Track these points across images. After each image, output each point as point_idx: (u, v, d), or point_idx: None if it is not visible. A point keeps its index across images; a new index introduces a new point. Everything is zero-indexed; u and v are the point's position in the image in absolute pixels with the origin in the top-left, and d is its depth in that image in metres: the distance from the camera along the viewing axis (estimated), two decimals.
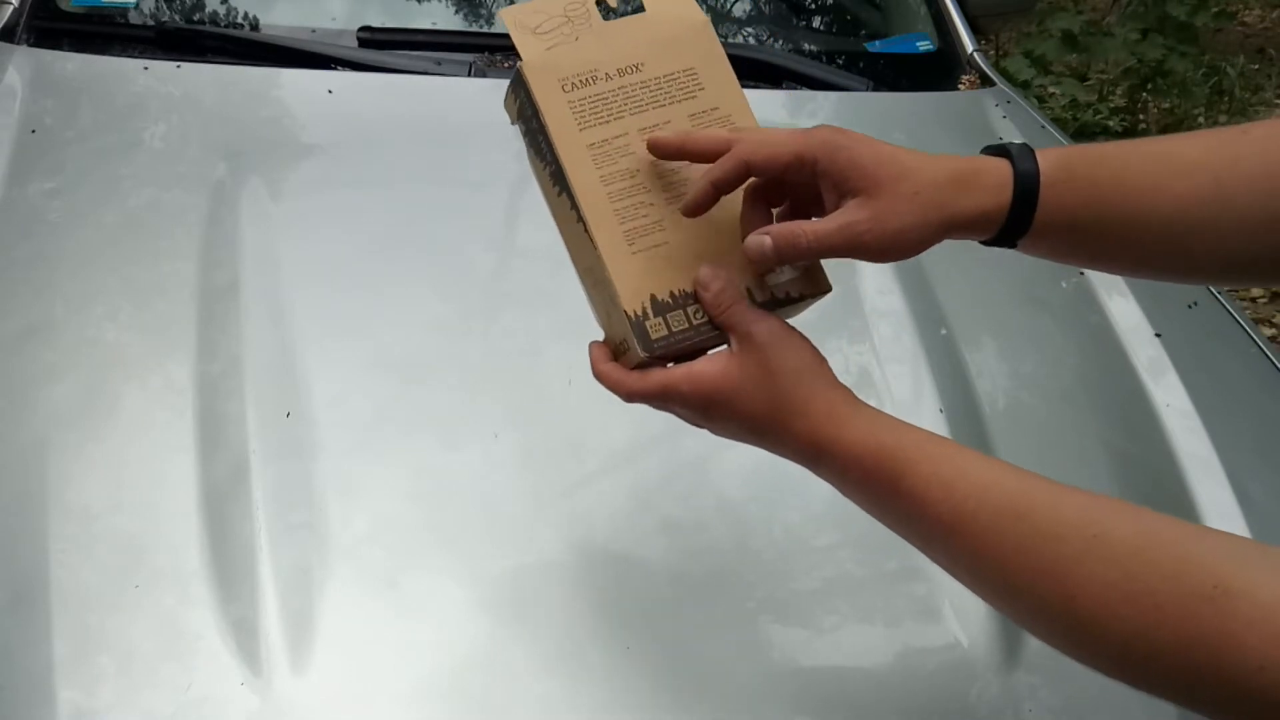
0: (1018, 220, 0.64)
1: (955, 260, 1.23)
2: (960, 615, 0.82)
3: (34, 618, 0.74)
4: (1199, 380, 1.07)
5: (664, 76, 0.68)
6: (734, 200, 0.66)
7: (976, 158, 0.66)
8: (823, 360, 0.63)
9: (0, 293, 1.00)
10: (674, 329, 0.65)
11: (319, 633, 0.75)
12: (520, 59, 0.67)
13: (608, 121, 0.67)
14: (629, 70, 0.68)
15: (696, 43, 0.70)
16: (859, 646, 0.81)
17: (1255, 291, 3.09)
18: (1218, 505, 0.93)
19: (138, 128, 1.24)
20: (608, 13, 0.70)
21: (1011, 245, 0.66)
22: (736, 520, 0.86)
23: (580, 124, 0.67)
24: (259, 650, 0.73)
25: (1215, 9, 4.11)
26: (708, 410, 0.64)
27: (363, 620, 0.77)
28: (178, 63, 1.35)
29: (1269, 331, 2.87)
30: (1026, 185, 0.63)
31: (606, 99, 0.67)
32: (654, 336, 0.65)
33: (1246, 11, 5.65)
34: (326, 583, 0.78)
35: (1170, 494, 0.95)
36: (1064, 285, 1.21)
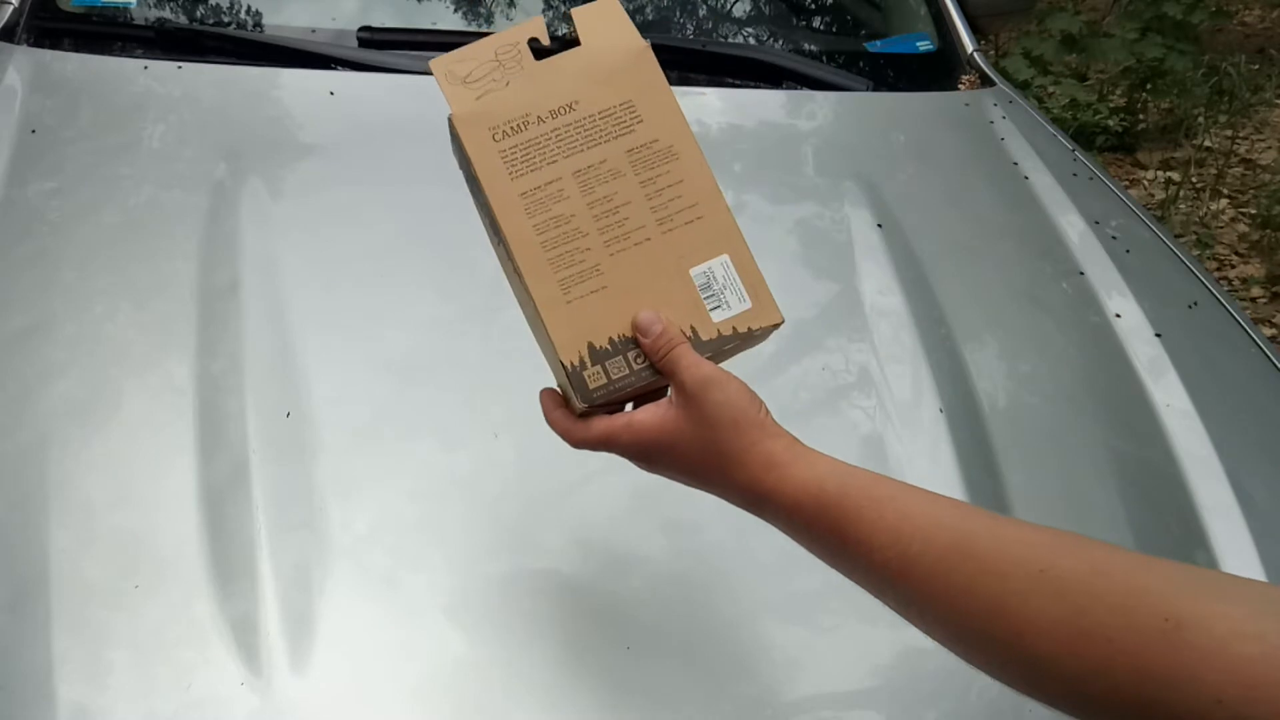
0: None
1: (955, 260, 1.23)
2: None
3: (34, 617, 0.74)
4: (1199, 380, 1.07)
5: (599, 113, 0.67)
6: (675, 236, 0.66)
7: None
8: (760, 405, 0.63)
9: (1, 292, 1.00)
10: (613, 376, 0.65)
11: (319, 632, 0.75)
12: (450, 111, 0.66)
13: (540, 168, 0.66)
14: (562, 111, 0.66)
15: (635, 72, 0.68)
16: (859, 646, 0.81)
17: (1255, 291, 3.09)
18: (1218, 505, 0.93)
19: (138, 128, 1.24)
20: (541, 52, 0.68)
21: None
22: (736, 520, 0.86)
23: (512, 173, 0.65)
24: (259, 650, 0.73)
25: (1212, 8, 4.11)
26: (649, 458, 0.65)
27: (362, 620, 0.77)
28: (178, 63, 1.35)
29: (1269, 331, 2.87)
30: None
31: (539, 144, 0.66)
32: (592, 386, 0.64)
33: (1246, 11, 5.65)
34: (326, 582, 0.78)
35: (1170, 494, 0.95)
36: (1064, 285, 1.21)
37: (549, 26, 0.68)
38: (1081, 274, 1.22)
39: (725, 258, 0.67)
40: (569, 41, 0.68)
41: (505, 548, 0.83)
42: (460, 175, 0.70)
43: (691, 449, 0.62)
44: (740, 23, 1.80)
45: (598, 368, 0.64)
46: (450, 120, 0.67)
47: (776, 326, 0.67)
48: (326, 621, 0.76)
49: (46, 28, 1.41)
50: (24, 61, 1.34)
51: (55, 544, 0.79)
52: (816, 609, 0.83)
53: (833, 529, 0.58)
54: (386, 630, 0.76)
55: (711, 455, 0.62)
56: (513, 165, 0.65)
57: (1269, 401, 1.12)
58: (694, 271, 0.66)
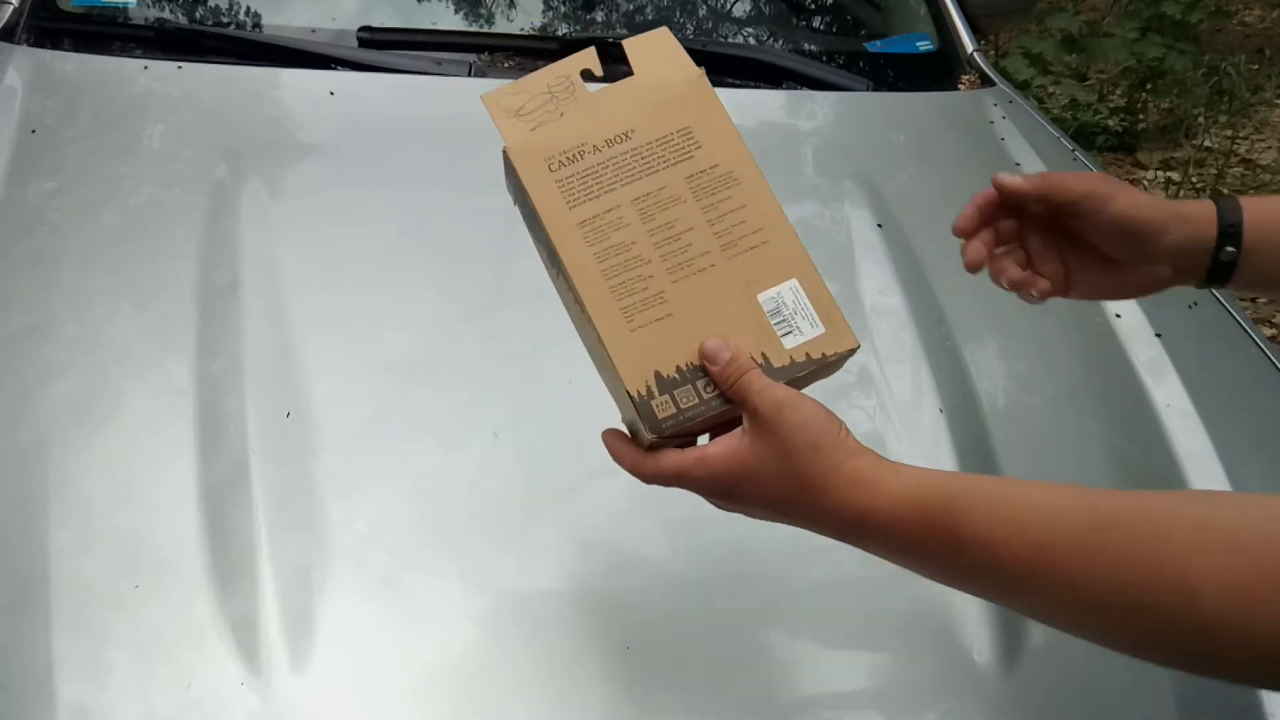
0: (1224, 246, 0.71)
1: (955, 260, 1.23)
2: (960, 615, 0.82)
3: (34, 617, 0.74)
4: (1199, 380, 1.07)
5: (656, 140, 0.66)
6: (741, 262, 0.64)
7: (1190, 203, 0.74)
8: (839, 425, 0.59)
9: (1, 292, 1.00)
10: (683, 406, 0.62)
11: (319, 633, 0.75)
12: (505, 144, 0.66)
13: (598, 196, 0.65)
14: (619, 139, 0.66)
15: (690, 99, 0.67)
16: (859, 646, 0.81)
17: None
18: None
19: (138, 128, 1.24)
20: (593, 81, 0.68)
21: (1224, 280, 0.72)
22: (736, 520, 0.86)
23: (570, 202, 0.64)
24: (259, 650, 0.73)
25: (1212, 8, 4.10)
26: (727, 493, 0.61)
27: (362, 620, 0.77)
28: (178, 63, 1.35)
29: (1269, 331, 2.87)
30: (1229, 218, 0.70)
31: (596, 172, 0.65)
32: (660, 416, 0.62)
33: (1246, 11, 5.65)
34: (326, 582, 0.78)
35: None
36: None
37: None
38: None
39: (794, 282, 0.64)
40: (620, 74, 0.68)
41: (505, 548, 0.83)
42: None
43: (771, 478, 0.58)
44: (740, 23, 1.80)
45: (665, 397, 0.62)
46: (505, 153, 0.66)
47: (853, 352, 0.64)
48: (326, 621, 0.76)
49: (46, 28, 1.41)
50: (24, 61, 1.34)
51: (55, 544, 0.79)
52: (816, 609, 0.83)
53: (944, 536, 0.54)
54: (386, 630, 0.76)
55: (794, 482, 0.58)
56: (570, 194, 0.64)
57: (1269, 401, 1.12)
58: (762, 297, 0.64)
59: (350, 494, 0.85)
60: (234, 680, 0.72)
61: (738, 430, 0.60)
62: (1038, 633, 0.81)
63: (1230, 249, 0.71)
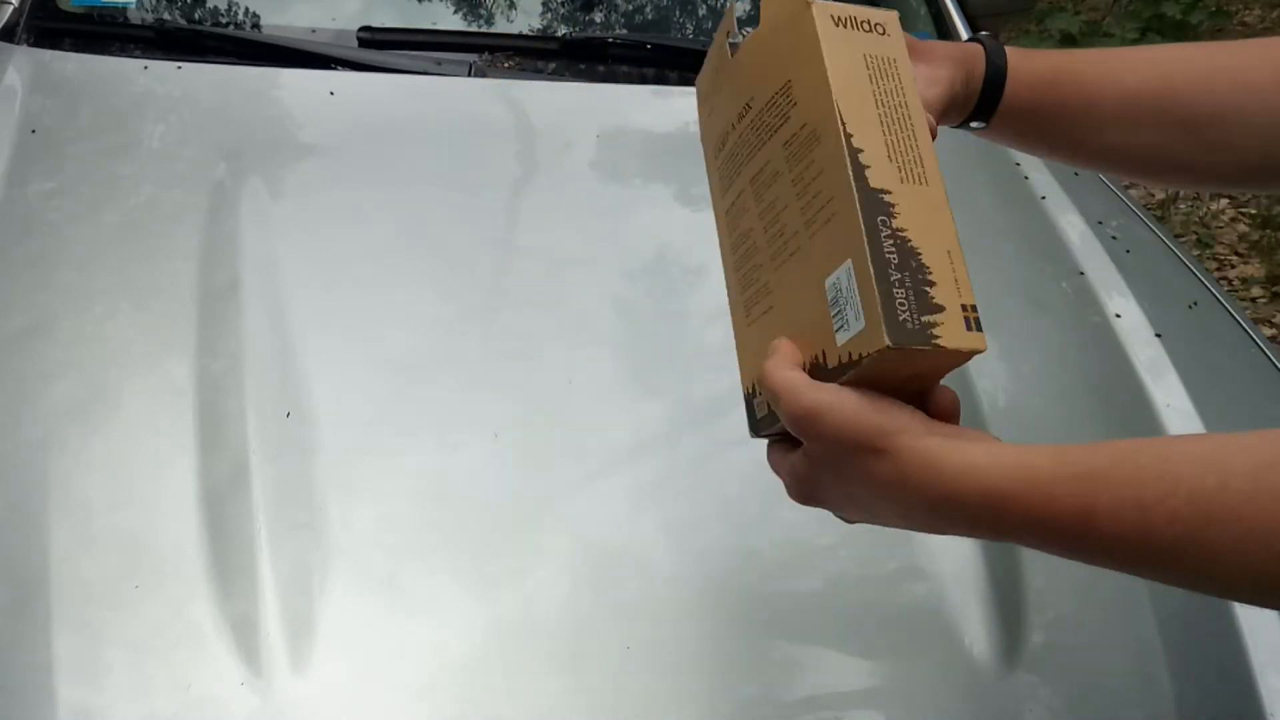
0: (985, 100, 0.67)
1: None
2: (960, 615, 0.82)
3: (34, 617, 0.74)
4: (1199, 380, 1.07)
5: (765, 106, 0.57)
6: (818, 239, 0.54)
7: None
8: (904, 409, 0.52)
9: (1, 292, 1.00)
10: (771, 410, 0.56)
11: (319, 632, 0.75)
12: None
13: (732, 181, 0.61)
14: (744, 112, 0.59)
15: (794, 43, 0.55)
16: (859, 647, 0.81)
17: (1255, 291, 3.09)
18: None
19: (138, 128, 1.24)
20: (736, 39, 0.63)
21: (982, 120, 0.68)
22: (736, 520, 0.86)
23: (722, 189, 0.62)
24: (259, 650, 0.73)
25: (1212, 8, 4.10)
26: (852, 458, 0.52)
27: (363, 620, 0.77)
28: (178, 63, 1.35)
29: (1269, 331, 2.87)
30: (996, 59, 0.67)
31: (733, 155, 0.60)
32: (759, 415, 0.58)
33: (1246, 11, 5.65)
34: (326, 582, 0.78)
35: None
36: (1064, 285, 1.21)
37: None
38: (1081, 274, 1.22)
39: (849, 264, 0.51)
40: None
41: (505, 548, 0.83)
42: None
43: (854, 479, 0.52)
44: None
45: (763, 398, 0.57)
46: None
47: (886, 351, 0.49)
48: (326, 621, 0.76)
49: (46, 28, 1.41)
50: (24, 61, 1.34)
51: (55, 544, 0.79)
52: (816, 609, 0.83)
53: (1072, 505, 0.47)
54: (386, 630, 0.76)
55: (861, 479, 0.52)
56: (722, 182, 0.62)
57: (1269, 401, 1.12)
58: (828, 283, 0.53)
59: (350, 494, 0.85)
60: (234, 680, 0.72)
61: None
62: (1038, 633, 0.81)
63: (980, 123, 0.69)
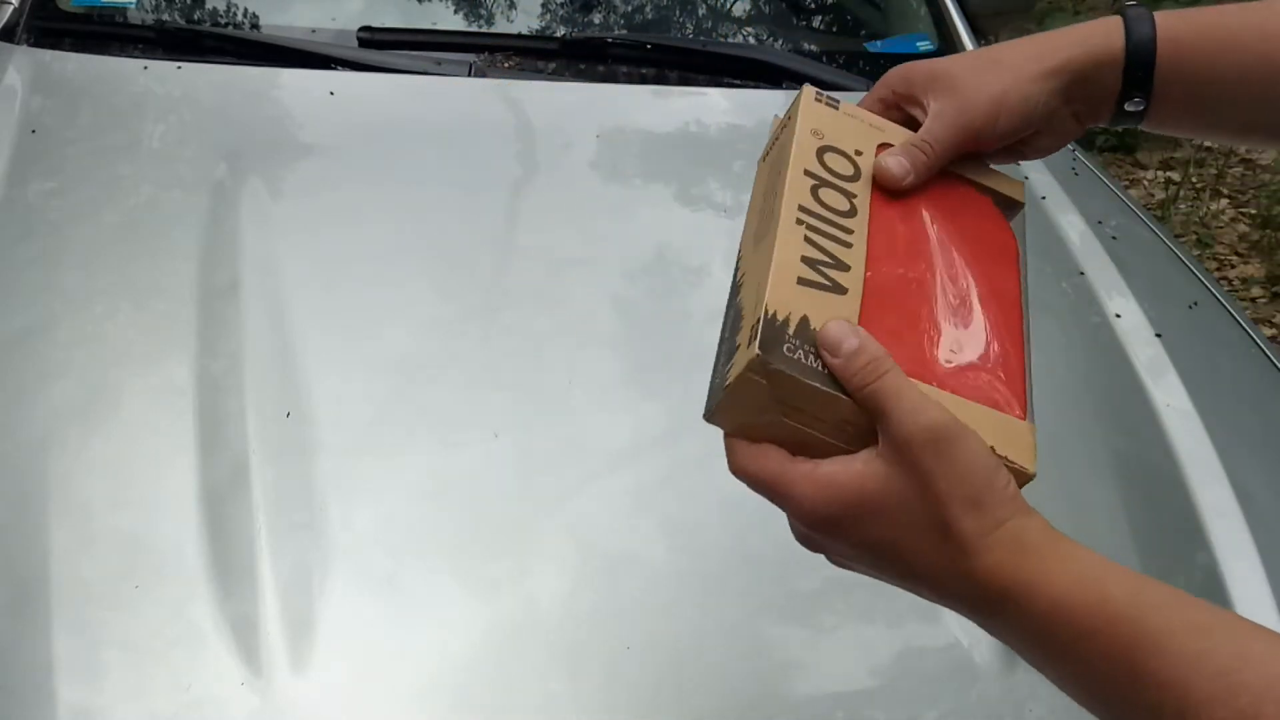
0: (1135, 69, 0.57)
1: None
2: (960, 615, 0.82)
3: (34, 617, 0.74)
4: (1199, 380, 1.07)
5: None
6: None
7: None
8: (1006, 474, 0.47)
9: (1, 292, 1.00)
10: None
11: (319, 633, 0.75)
12: None
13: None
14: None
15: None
16: (859, 646, 0.81)
17: (1255, 291, 3.09)
18: (1218, 505, 0.93)
19: (138, 128, 1.24)
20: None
21: (1137, 118, 0.59)
22: (736, 520, 0.86)
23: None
24: (259, 650, 0.73)
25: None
26: (831, 527, 0.48)
27: (363, 620, 0.77)
28: (178, 63, 1.35)
29: (1269, 331, 2.87)
30: (1139, 32, 0.56)
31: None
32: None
33: None
34: (326, 583, 0.78)
35: (1170, 494, 0.95)
36: (1064, 285, 1.21)
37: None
38: (1081, 274, 1.22)
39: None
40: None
41: (505, 548, 0.83)
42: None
43: (902, 524, 0.46)
44: (740, 22, 1.80)
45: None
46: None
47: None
48: (326, 621, 0.76)
49: (46, 28, 1.41)
50: (24, 61, 1.34)
51: (55, 544, 0.79)
52: (816, 609, 0.83)
53: (1120, 653, 0.43)
54: (386, 630, 0.76)
55: (934, 535, 0.46)
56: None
57: (1269, 401, 1.12)
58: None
59: (350, 494, 0.85)
60: (234, 680, 0.72)
61: (867, 451, 0.47)
62: None
63: (1138, 99, 0.59)
